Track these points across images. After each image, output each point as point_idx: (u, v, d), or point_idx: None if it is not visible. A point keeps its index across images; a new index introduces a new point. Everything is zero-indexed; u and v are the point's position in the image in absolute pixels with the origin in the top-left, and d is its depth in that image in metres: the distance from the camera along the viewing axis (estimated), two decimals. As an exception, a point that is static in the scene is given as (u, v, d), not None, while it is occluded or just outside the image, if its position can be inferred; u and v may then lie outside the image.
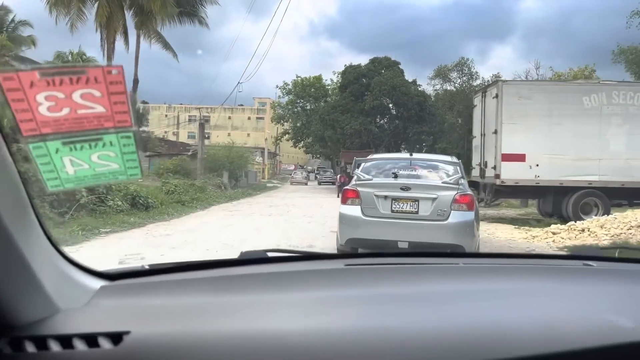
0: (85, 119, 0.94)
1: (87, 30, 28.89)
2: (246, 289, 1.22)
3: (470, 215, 6.91)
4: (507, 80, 15.55)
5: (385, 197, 6.94)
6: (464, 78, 50.70)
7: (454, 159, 8.29)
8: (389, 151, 42.99)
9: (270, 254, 1.54)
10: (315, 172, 58.53)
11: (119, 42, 30.70)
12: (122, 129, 0.97)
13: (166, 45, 34.86)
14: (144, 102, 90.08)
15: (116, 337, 0.94)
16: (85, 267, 1.22)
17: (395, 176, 7.27)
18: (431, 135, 42.76)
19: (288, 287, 1.23)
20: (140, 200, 15.52)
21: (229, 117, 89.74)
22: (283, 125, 66.05)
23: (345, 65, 42.75)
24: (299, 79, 64.11)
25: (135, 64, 32.91)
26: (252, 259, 1.49)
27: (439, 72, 50.48)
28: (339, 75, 48.40)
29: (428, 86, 47.31)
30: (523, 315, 1.01)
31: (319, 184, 47.50)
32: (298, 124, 63.92)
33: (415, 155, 8.27)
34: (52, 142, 0.94)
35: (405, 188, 6.92)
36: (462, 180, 7.30)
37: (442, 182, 7.16)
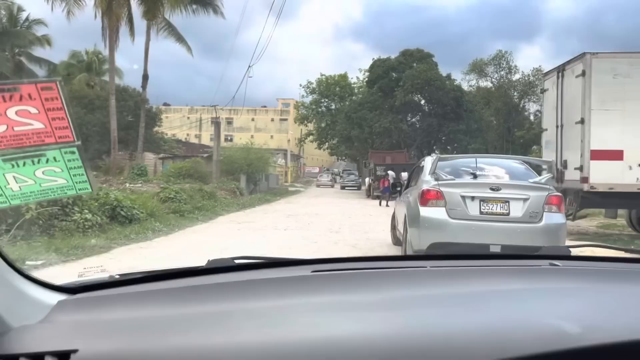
0: (24, 136, 0.94)
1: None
2: (211, 299, 1.18)
3: (562, 217, 6.62)
4: (597, 53, 11.64)
5: (473, 197, 6.48)
6: (502, 72, 46.62)
7: (546, 160, 7.91)
8: (421, 152, 38.99)
9: (237, 262, 1.51)
10: (340, 174, 54.97)
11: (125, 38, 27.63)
12: (64, 144, 0.97)
13: (180, 39, 31.72)
14: (166, 104, 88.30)
15: (63, 357, 0.91)
16: (42, 282, 1.18)
17: (475, 176, 6.82)
18: (467, 135, 38.70)
19: (254, 295, 1.19)
20: (122, 212, 12.05)
21: (252, 119, 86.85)
22: (307, 126, 62.57)
23: (373, 58, 39.02)
24: (323, 77, 60.67)
25: (145, 59, 29.79)
26: (220, 267, 1.44)
27: (474, 67, 46.37)
28: (365, 73, 44.88)
29: (462, 82, 43.44)
30: (478, 321, 0.97)
31: (342, 188, 42.35)
32: (322, 125, 60.41)
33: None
34: None
35: (496, 188, 6.51)
36: (552, 181, 7.02)
37: (533, 182, 6.78)
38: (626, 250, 1.89)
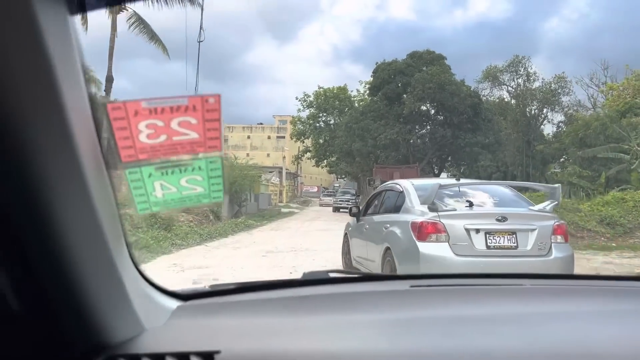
0: (179, 145, 0.98)
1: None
2: (312, 309, 1.22)
3: (569, 248, 6.09)
4: None
5: (478, 230, 5.68)
6: (519, 80, 41.19)
7: (553, 185, 6.77)
8: (432, 167, 33.35)
9: (332, 275, 1.50)
10: (334, 194, 44.81)
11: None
12: (212, 153, 1.01)
13: (153, 37, 26.34)
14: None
15: (207, 356, 0.96)
16: (162, 288, 1.24)
17: (471, 205, 5.98)
18: (485, 148, 33.11)
19: (352, 308, 1.20)
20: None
21: (248, 137, 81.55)
22: (304, 142, 57.15)
23: (377, 62, 33.60)
24: (321, 90, 55.38)
25: (109, 57, 24.40)
26: (314, 280, 1.46)
27: (487, 74, 40.92)
28: (366, 86, 39.37)
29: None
30: (579, 339, 0.98)
31: (335, 210, 32.16)
32: (320, 141, 54.99)
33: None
34: (147, 167, 0.98)
35: (502, 219, 5.73)
36: (556, 208, 6.37)
37: (538, 210, 6.14)
38: None
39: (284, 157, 59.67)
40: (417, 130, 32.46)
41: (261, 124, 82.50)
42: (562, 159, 46.15)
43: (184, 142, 0.96)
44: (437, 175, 34.43)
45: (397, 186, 6.99)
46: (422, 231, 5.72)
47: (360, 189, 56.27)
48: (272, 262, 10.15)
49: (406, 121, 31.45)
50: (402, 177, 26.47)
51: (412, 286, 1.36)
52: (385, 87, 31.85)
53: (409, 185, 6.64)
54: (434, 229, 5.70)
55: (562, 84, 39.30)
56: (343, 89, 54.15)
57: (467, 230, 5.68)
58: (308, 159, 57.74)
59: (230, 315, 1.20)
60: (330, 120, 55.12)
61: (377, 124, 31.35)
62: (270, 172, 48.68)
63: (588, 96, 44.06)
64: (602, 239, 15.17)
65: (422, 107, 31.48)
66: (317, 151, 54.14)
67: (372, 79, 33.45)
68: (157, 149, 0.95)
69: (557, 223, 6.00)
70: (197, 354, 0.95)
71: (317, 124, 55.22)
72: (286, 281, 1.46)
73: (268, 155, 76.11)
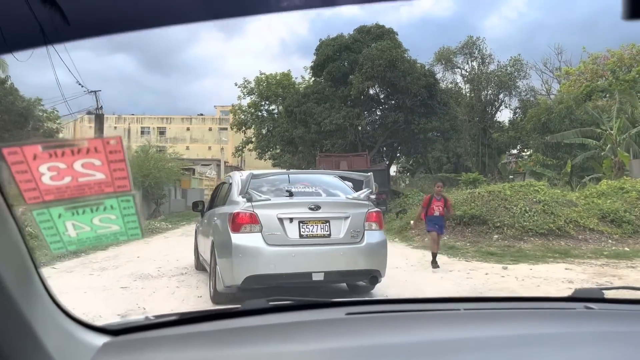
0: (86, 186, 0.96)
1: None
2: (249, 341, 1.19)
3: (382, 235, 6.20)
4: None
5: (292, 219, 5.70)
6: (474, 63, 37.85)
7: (364, 174, 6.76)
8: (382, 156, 29.34)
9: (272, 303, 1.48)
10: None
11: None
12: (122, 193, 0.99)
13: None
14: (90, 113, 76.09)
15: None
16: (87, 324, 1.18)
17: (291, 194, 5.96)
18: (442, 135, 29.39)
19: (290, 338, 1.19)
20: None
21: (188, 129, 75.57)
22: (245, 133, 52.19)
23: (321, 39, 29.15)
24: (263, 76, 50.56)
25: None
26: (255, 309, 1.42)
27: (440, 57, 37.36)
28: (310, 73, 34.83)
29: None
30: None
31: None
32: (263, 131, 50.19)
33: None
34: (55, 208, 0.96)
35: (315, 207, 5.76)
36: (371, 196, 6.42)
37: (352, 198, 6.09)
38: None
39: (222, 149, 54.43)
40: (365, 115, 28.22)
41: (201, 114, 76.72)
42: (517, 148, 43.36)
43: (90, 183, 0.95)
44: (389, 166, 30.49)
45: (229, 178, 6.77)
46: (236, 222, 5.59)
47: (306, 182, 52.14)
48: (132, 298, 5.98)
49: (354, 104, 27.20)
50: (350, 166, 22.22)
51: (347, 314, 1.35)
52: (330, 65, 27.46)
53: (237, 177, 6.41)
54: (248, 219, 5.57)
55: (519, 67, 36.21)
56: (287, 75, 49.39)
57: (280, 219, 5.64)
58: (250, 150, 52.88)
59: (159, 351, 1.14)
60: (273, 109, 50.46)
61: (321, 108, 26.95)
62: (206, 165, 43.65)
63: (542, 82, 41.34)
64: (610, 241, 11.39)
65: (371, 88, 27.27)
66: (260, 142, 49.36)
67: (315, 56, 28.97)
68: (63, 190, 0.94)
69: (370, 211, 6.01)
70: None
71: (259, 113, 50.35)
72: (226, 311, 1.41)
73: (209, 148, 70.72)
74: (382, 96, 28.52)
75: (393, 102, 27.42)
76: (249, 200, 5.75)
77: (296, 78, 48.75)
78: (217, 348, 1.14)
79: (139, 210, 1.06)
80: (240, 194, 5.87)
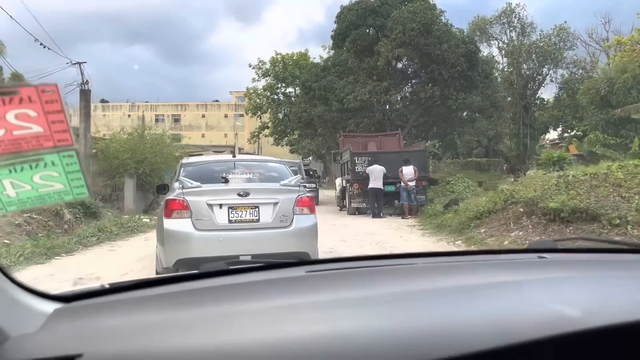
0: (22, 140, 0.91)
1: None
2: (205, 302, 1.15)
3: (313, 218, 6.26)
4: None
5: (221, 205, 5.79)
6: (513, 34, 33.45)
7: (294, 160, 7.99)
8: (413, 138, 25.36)
9: (231, 267, 1.45)
10: None
11: None
12: (63, 147, 0.95)
13: None
14: (104, 101, 73.31)
15: None
16: (37, 291, 1.14)
17: (226, 181, 6.09)
18: (481, 113, 25.32)
19: (248, 297, 1.17)
20: None
21: (203, 116, 72.20)
22: (261, 118, 48.57)
23: (342, 6, 25.13)
24: (279, 56, 46.76)
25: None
26: (213, 272, 1.40)
27: (475, 27, 33.02)
28: (329, 51, 30.70)
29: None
30: (475, 311, 0.98)
31: None
32: (279, 115, 46.48)
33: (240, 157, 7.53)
34: None
35: (244, 194, 5.87)
36: (302, 182, 6.73)
37: (282, 185, 6.21)
38: (607, 242, 1.85)
39: (236, 134, 50.84)
40: (395, 90, 24.22)
41: (217, 101, 73.30)
42: (559, 128, 38.83)
43: (27, 137, 0.90)
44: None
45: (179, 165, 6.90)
46: (168, 208, 5.75)
47: (326, 169, 48.17)
48: None
49: (381, 77, 23.22)
50: (380, 147, 18.49)
51: (307, 272, 1.36)
52: (353, 33, 23.49)
53: (182, 163, 6.71)
54: (179, 205, 5.70)
55: (564, 37, 31.71)
56: (304, 55, 45.52)
57: (210, 205, 5.75)
58: (266, 136, 49.28)
59: (113, 315, 1.10)
60: (290, 92, 46.71)
61: (343, 82, 23.05)
62: (219, 151, 40.13)
63: (589, 54, 36.73)
64: None
65: (401, 58, 23.26)
66: (276, 127, 45.71)
67: (335, 25, 24.99)
68: None
69: (300, 196, 6.10)
70: (57, 359, 0.89)
71: (275, 96, 46.68)
72: (184, 275, 1.35)
73: (225, 135, 67.21)
74: (414, 67, 24.43)
75: (427, 74, 23.33)
76: (183, 187, 5.87)
77: (314, 58, 44.80)
78: (175, 309, 1.10)
79: (84, 167, 0.98)
80: (175, 181, 6.22)
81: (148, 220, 14.41)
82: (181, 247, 5.61)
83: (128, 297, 1.22)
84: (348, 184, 16.77)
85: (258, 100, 47.51)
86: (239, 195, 5.82)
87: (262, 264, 1.48)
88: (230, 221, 5.77)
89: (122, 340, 0.96)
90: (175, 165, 19.47)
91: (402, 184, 14.89)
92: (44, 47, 16.56)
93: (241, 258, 5.13)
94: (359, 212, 16.56)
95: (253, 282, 1.29)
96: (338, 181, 20.22)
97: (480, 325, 0.89)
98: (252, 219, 5.84)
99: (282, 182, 6.23)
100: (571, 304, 0.95)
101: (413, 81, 24.77)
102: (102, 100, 73.47)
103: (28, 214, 10.93)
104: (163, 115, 72.12)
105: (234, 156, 7.03)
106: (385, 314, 0.99)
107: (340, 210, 18.88)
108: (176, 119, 71.53)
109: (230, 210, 5.79)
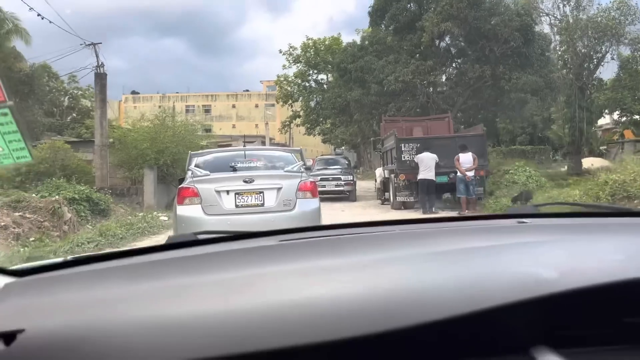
0: None
1: None
2: (171, 273, 1.09)
3: (316, 202, 6.51)
4: None
5: (228, 191, 6.16)
6: (566, 9, 30.33)
7: (294, 148, 8.08)
8: (459, 122, 22.87)
9: (200, 237, 1.42)
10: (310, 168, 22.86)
11: None
12: None
13: None
14: (134, 93, 72.80)
15: (8, 337, 0.84)
16: None
17: (235, 169, 6.59)
18: (535, 94, 22.65)
19: (219, 267, 1.11)
20: None
21: (233, 106, 70.75)
22: (292, 106, 46.61)
23: (380, -21, 22.71)
24: (310, 41, 44.59)
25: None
26: (181, 243, 1.35)
27: (526, 1, 30.07)
28: (363, 34, 28.19)
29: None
30: (447, 277, 0.95)
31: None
32: (311, 103, 44.38)
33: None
34: None
35: (249, 180, 6.22)
36: (304, 168, 6.99)
37: (285, 171, 6.63)
38: (586, 206, 1.84)
39: (267, 124, 48.96)
40: (442, 69, 21.79)
41: (247, 90, 71.73)
42: (616, 112, 35.58)
43: None
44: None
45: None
46: (180, 195, 6.15)
47: (360, 160, 45.76)
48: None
49: (425, 56, 20.83)
50: (427, 132, 16.19)
51: (280, 241, 1.34)
52: (393, 7, 21.11)
53: (191, 154, 7.11)
54: (189, 193, 6.07)
55: (625, 10, 28.47)
56: (336, 40, 43.17)
57: (218, 192, 6.08)
58: (297, 125, 47.32)
59: (68, 289, 1.04)
60: (322, 79, 44.58)
61: (382, 62, 20.75)
62: (249, 142, 38.42)
63: (649, 31, 33.22)
64: None
65: (448, 34, 20.78)
66: (308, 116, 43.67)
67: (373, 0, 22.62)
68: None
69: (303, 181, 6.37)
70: None
71: (307, 84, 44.63)
72: (151, 247, 1.30)
73: (256, 125, 65.48)
74: (461, 44, 21.92)
75: (476, 51, 20.80)
76: (193, 176, 6.31)
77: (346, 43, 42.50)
78: (139, 281, 1.03)
79: (24, 127, 0.89)
80: (187, 171, 6.67)
81: (166, 218, 12.55)
82: (192, 230, 5.07)
83: (88, 270, 1.17)
84: (392, 175, 14.57)
85: (289, 88, 45.57)
86: (245, 181, 6.14)
87: (233, 234, 1.44)
88: (237, 206, 6.10)
89: (73, 314, 0.91)
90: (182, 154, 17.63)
91: (459, 174, 12.60)
92: (58, 28, 14.93)
93: None
94: (404, 206, 14.36)
95: (222, 251, 1.26)
96: (378, 171, 18.02)
97: (452, 291, 0.87)
98: (257, 204, 6.14)
99: (285, 169, 6.60)
100: (547, 266, 0.92)
101: (460, 60, 22.22)
102: (133, 92, 72.93)
103: (20, 213, 9.22)
104: (193, 106, 70.99)
105: (244, 145, 7.27)
106: (353, 281, 0.95)
107: (382, 204, 16.69)
108: (207, 110, 70.32)
109: (236, 195, 6.10)
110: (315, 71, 43.90)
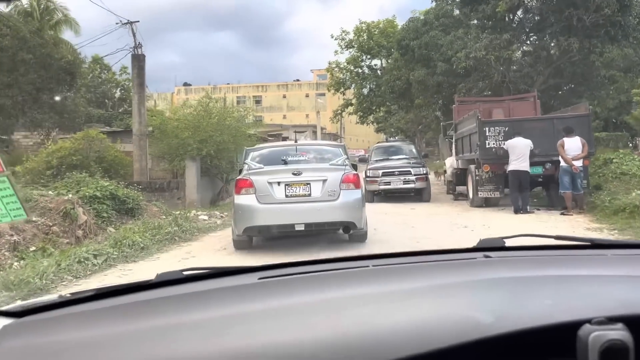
0: None
1: None
2: (159, 312, 1.13)
3: (358, 193, 6.94)
4: None
5: (279, 182, 6.74)
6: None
7: (339, 143, 8.56)
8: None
9: (186, 273, 1.44)
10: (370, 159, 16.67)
11: None
12: None
13: None
14: (186, 85, 72.61)
15: None
16: None
17: (285, 163, 7.14)
18: (629, 71, 19.36)
19: (202, 306, 1.15)
20: None
21: (284, 96, 69.19)
22: (344, 94, 44.22)
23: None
24: (363, 24, 41.94)
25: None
26: (169, 280, 1.39)
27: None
28: (419, 15, 25.37)
29: None
30: (402, 316, 0.99)
31: (376, 194, 14.17)
32: (364, 91, 41.88)
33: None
34: None
35: (297, 172, 6.77)
36: (347, 162, 7.41)
37: (330, 164, 7.19)
38: (556, 238, 1.69)
39: (318, 112, 46.85)
40: (519, 41, 18.85)
41: (297, 80, 69.91)
42: None
43: None
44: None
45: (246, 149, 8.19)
46: (237, 186, 6.88)
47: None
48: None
49: (500, 28, 17.99)
50: (509, 114, 13.53)
51: (259, 278, 1.37)
52: (463, -26, 18.35)
53: (246, 149, 7.97)
54: (245, 184, 6.75)
55: None
56: (391, 22, 40.40)
57: (270, 183, 6.70)
58: (350, 114, 44.93)
59: (62, 330, 1.07)
60: (375, 65, 41.93)
61: (451, 37, 18.10)
62: (300, 131, 36.46)
63: None
64: None
65: (528, 1, 17.85)
66: (361, 104, 41.19)
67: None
68: None
69: (346, 173, 6.88)
70: None
71: (359, 70, 42.10)
72: (141, 283, 1.34)
73: (307, 115, 63.57)
74: (542, 14, 18.86)
75: (561, 21, 17.74)
76: (249, 169, 7.11)
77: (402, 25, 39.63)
78: (130, 321, 1.08)
79: (18, 190, 1.05)
80: (243, 164, 7.45)
81: (207, 217, 10.60)
82: (247, 217, 6.67)
83: (80, 310, 1.19)
84: (472, 166, 12.07)
85: (341, 75, 43.19)
86: (294, 174, 6.74)
87: (213, 272, 1.48)
88: (286, 196, 6.68)
89: (70, 357, 0.93)
90: (247, 145, 15.77)
91: (562, 163, 9.99)
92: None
93: (296, 227, 6.56)
94: (486, 203, 11.86)
95: (203, 291, 1.27)
96: (449, 162, 15.48)
97: (401, 332, 0.90)
98: (305, 194, 6.70)
99: (330, 162, 7.25)
100: (490, 308, 0.95)
101: (540, 33, 19.14)
102: (185, 84, 72.87)
103: (24, 216, 7.48)
104: (244, 97, 69.90)
105: (295, 141, 8.06)
106: (320, 323, 0.99)
107: (455, 199, 14.20)
108: (257, 101, 69.05)
109: (286, 186, 6.69)
110: (369, 56, 41.29)
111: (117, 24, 14.67)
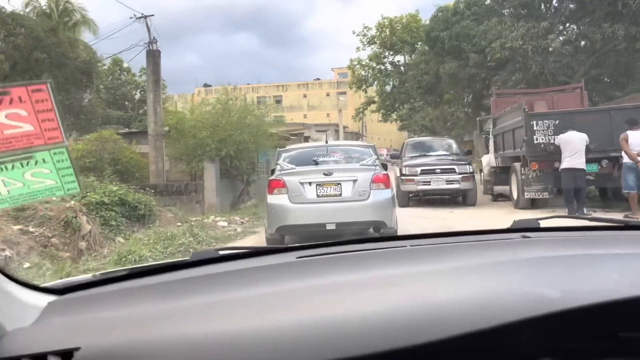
0: (13, 139, 0.92)
1: None
2: (197, 290, 1.13)
3: (389, 193, 6.99)
4: None
5: (310, 183, 6.84)
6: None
7: (369, 144, 8.38)
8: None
9: (221, 252, 1.46)
10: (402, 157, 13.76)
11: None
12: (53, 145, 0.95)
13: None
14: (207, 85, 72.24)
15: (66, 355, 0.88)
16: (30, 284, 1.13)
17: (317, 163, 7.23)
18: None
19: (240, 284, 1.14)
20: None
21: (304, 95, 68.33)
22: (366, 92, 43.01)
23: None
24: (386, 20, 40.67)
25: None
26: (204, 259, 1.38)
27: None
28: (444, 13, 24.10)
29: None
30: (456, 294, 0.97)
31: (410, 198, 12.63)
32: (387, 88, 40.60)
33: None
34: None
35: (328, 173, 6.86)
36: (377, 162, 7.41)
37: (361, 165, 7.24)
38: (589, 219, 1.76)
39: (340, 111, 45.76)
40: (560, 30, 17.52)
41: (318, 79, 68.94)
42: None
43: (17, 136, 0.90)
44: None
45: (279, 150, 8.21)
46: (270, 186, 6.99)
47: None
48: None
49: (537, 16, 16.70)
50: (552, 107, 12.32)
51: (298, 257, 1.36)
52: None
53: (279, 150, 8.00)
54: (278, 184, 6.87)
55: None
56: (414, 17, 39.07)
57: (302, 183, 6.81)
58: (372, 112, 43.71)
59: (107, 306, 1.09)
60: (399, 61, 40.62)
61: (484, 27, 16.87)
62: (322, 130, 35.46)
63: None
64: None
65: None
66: (384, 101, 39.93)
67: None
68: None
69: (376, 174, 6.92)
70: (55, 353, 0.87)
71: (382, 67, 40.83)
72: (175, 263, 1.34)
73: (328, 115, 62.56)
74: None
75: (605, 6, 16.37)
76: (281, 169, 7.18)
77: (426, 20, 38.27)
78: (166, 300, 1.07)
79: (75, 163, 0.96)
80: (276, 164, 7.48)
81: (226, 223, 9.66)
82: (280, 216, 6.75)
83: (120, 288, 1.20)
84: (517, 164, 10.89)
85: (363, 72, 41.96)
86: (325, 174, 6.82)
87: (253, 250, 1.45)
88: (317, 196, 6.76)
89: (118, 332, 0.94)
90: (269, 145, 14.77)
91: (626, 160, 8.79)
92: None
93: (327, 226, 6.57)
94: (533, 205, 10.69)
95: (244, 269, 1.27)
96: (485, 159, 14.29)
97: (460, 309, 0.88)
98: (336, 194, 6.77)
99: (360, 163, 7.28)
100: (552, 284, 0.94)
101: (581, 21, 17.75)
102: (205, 85, 72.57)
103: (20, 226, 6.61)
104: (264, 97, 69.25)
105: (326, 142, 8.04)
106: (368, 299, 0.97)
107: (494, 200, 13.04)
108: (277, 100, 68.32)
109: (317, 187, 6.78)
110: (392, 52, 40.01)
111: (131, 18, 13.87)
